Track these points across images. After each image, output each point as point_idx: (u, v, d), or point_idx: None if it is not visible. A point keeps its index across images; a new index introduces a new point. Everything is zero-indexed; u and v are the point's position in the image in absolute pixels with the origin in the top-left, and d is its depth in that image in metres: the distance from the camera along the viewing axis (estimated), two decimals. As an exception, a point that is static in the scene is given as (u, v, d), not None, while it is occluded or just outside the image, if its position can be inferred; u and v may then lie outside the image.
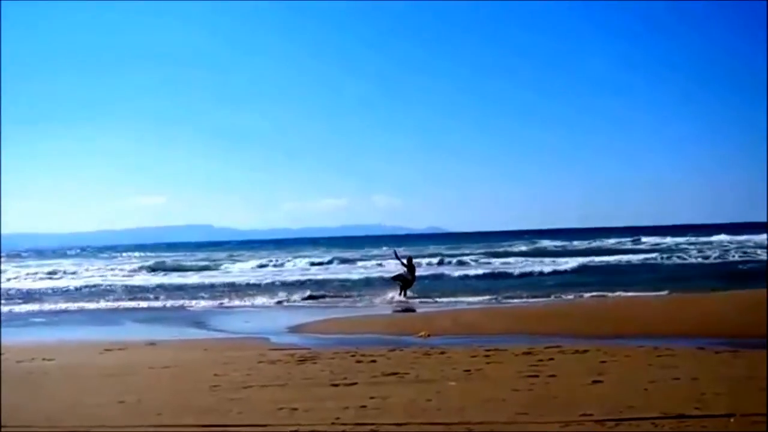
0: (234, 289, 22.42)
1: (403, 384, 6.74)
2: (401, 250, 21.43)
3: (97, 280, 27.50)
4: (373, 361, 8.04)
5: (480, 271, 26.50)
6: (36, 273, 32.67)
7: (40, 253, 62.23)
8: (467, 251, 40.41)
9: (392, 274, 19.79)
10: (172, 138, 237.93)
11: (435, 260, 30.93)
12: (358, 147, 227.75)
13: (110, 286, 24.94)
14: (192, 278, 27.42)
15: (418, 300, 17.66)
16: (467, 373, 7.20)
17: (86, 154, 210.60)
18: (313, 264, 34.16)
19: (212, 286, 23.60)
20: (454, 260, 32.29)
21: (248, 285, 23.34)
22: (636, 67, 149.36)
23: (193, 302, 19.02)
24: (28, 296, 22.15)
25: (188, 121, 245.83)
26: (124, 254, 56.22)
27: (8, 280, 28.91)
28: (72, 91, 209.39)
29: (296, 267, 33.11)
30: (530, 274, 24.66)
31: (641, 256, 31.91)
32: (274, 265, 34.57)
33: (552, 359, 7.84)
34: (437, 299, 17.56)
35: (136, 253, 55.40)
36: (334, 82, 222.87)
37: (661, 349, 8.40)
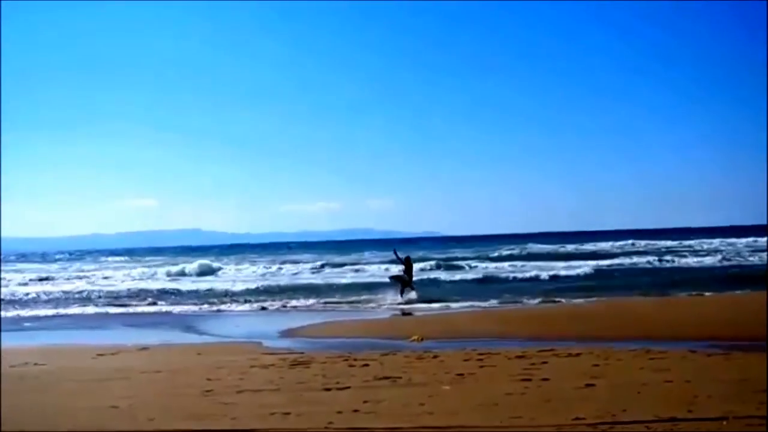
0: (225, 293, 22.34)
1: (396, 388, 6.74)
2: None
3: (87, 285, 27.33)
4: (366, 365, 8.03)
5: (473, 275, 26.54)
6: (26, 278, 32.47)
7: (31, 258, 61.87)
8: (461, 255, 40.46)
9: (391, 275, 19.93)
10: (165, 141, 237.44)
11: (429, 264, 30.91)
12: (352, 150, 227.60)
13: (100, 290, 24.79)
14: (184, 283, 27.31)
15: (411, 304, 17.67)
16: (460, 376, 7.20)
17: (77, 158, 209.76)
18: (304, 268, 34.08)
19: (204, 290, 23.49)
20: (449, 264, 32.31)
21: (240, 289, 23.22)
22: (635, 70, 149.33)
23: (185, 307, 18.96)
24: (18, 301, 22.01)
25: (182, 124, 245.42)
26: (112, 258, 55.95)
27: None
28: (61, 95, 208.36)
29: (287, 271, 33.03)
30: (524, 277, 24.69)
31: (635, 260, 32.04)
32: (265, 268, 34.46)
33: (545, 363, 7.86)
34: (430, 303, 17.55)
35: (125, 258, 55.21)
36: (327, 84, 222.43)
37: (654, 351, 8.44)
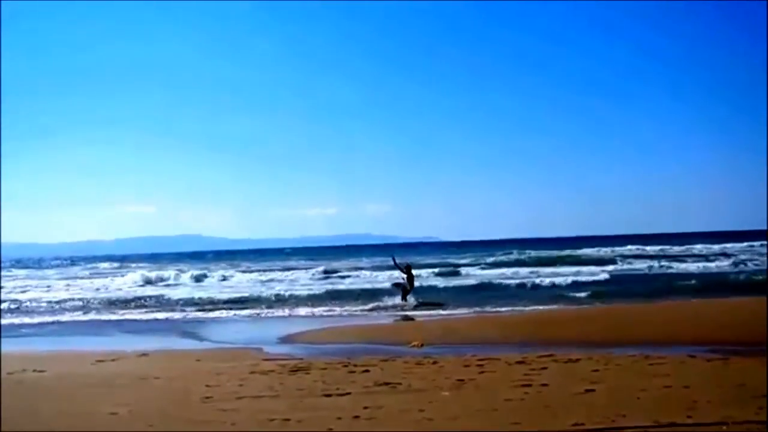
0: (223, 300, 22.28)
1: (395, 394, 6.74)
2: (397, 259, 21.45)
3: (86, 292, 27.28)
4: (366, 371, 8.04)
5: (472, 281, 26.51)
6: (25, 284, 32.40)
7: (29, 264, 61.74)
8: (460, 260, 40.43)
9: (393, 281, 19.99)
10: (164, 147, 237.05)
11: (428, 270, 30.89)
12: (349, 155, 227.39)
13: (97, 297, 24.72)
14: (180, 289, 27.26)
15: (410, 310, 17.68)
16: (460, 382, 7.21)
17: (75, 164, 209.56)
18: (301, 274, 34.01)
19: (201, 297, 23.43)
20: (447, 269, 32.31)
21: (237, 296, 23.17)
22: (635, 73, 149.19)
23: (183, 313, 18.93)
24: (17, 308, 21.97)
25: (180, 131, 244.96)
26: (109, 264, 55.82)
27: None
28: (59, 102, 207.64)
29: (286, 277, 32.97)
30: (522, 283, 24.67)
31: (634, 264, 32.08)
32: (261, 274, 34.39)
33: (545, 368, 7.87)
34: (430, 309, 17.55)
35: (122, 264, 55.10)
36: (325, 90, 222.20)
37: (653, 357, 8.45)
